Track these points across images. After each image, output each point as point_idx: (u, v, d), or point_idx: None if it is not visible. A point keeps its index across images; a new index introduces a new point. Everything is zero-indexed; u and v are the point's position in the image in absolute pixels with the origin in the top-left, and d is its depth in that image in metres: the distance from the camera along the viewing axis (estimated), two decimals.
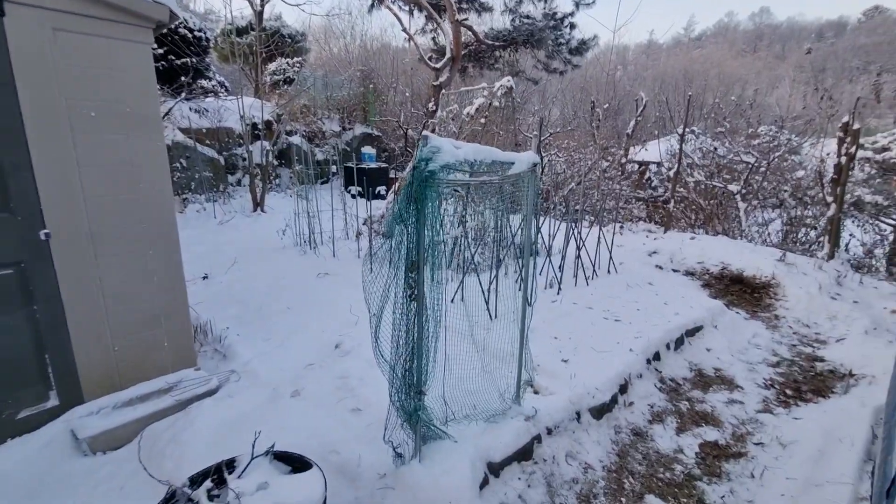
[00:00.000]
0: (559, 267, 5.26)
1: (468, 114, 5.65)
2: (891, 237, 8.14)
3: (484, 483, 2.28)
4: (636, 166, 10.72)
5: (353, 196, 8.78)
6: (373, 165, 10.24)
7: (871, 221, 8.08)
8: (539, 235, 5.38)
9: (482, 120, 5.61)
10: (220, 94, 10.02)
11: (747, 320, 4.86)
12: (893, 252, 8.22)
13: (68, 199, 2.48)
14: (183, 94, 7.46)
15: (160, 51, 8.55)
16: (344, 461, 2.38)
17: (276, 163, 9.38)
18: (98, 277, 2.65)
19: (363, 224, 6.51)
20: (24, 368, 2.51)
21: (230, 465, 1.86)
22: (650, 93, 14.58)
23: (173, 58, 8.63)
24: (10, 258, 2.37)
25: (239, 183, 8.68)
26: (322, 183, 9.97)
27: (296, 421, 2.68)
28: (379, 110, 13.02)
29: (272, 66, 12.14)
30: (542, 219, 5.61)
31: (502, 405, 2.71)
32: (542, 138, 9.25)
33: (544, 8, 14.15)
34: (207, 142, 8.13)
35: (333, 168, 9.80)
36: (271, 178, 9.05)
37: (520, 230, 4.39)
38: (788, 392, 3.59)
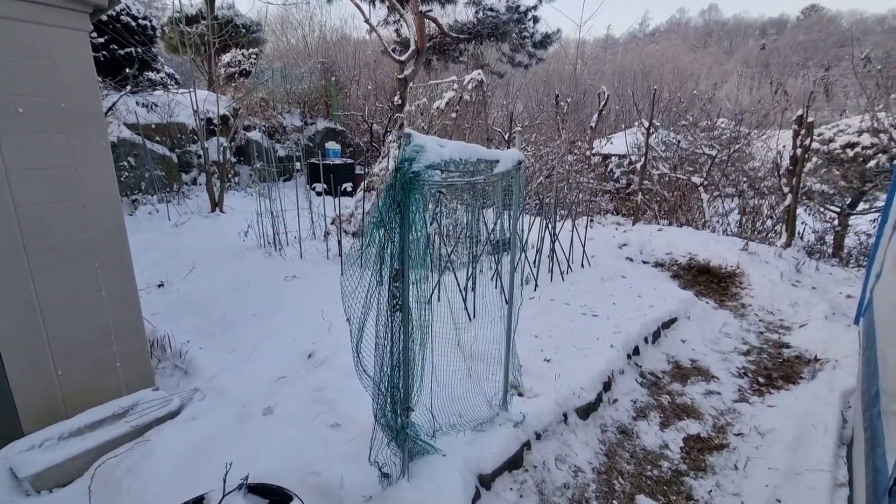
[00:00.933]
0: (534, 262, 5.22)
1: (438, 108, 5.50)
2: (836, 224, 8.65)
3: (476, 497, 2.18)
4: (600, 159, 10.89)
5: (319, 194, 8.46)
6: (338, 161, 9.91)
7: (820, 210, 8.54)
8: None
9: (453, 115, 5.48)
10: (171, 87, 9.40)
11: (716, 310, 4.99)
12: (837, 237, 8.74)
13: None
14: (128, 87, 6.91)
15: (101, 40, 7.90)
16: (325, 483, 2.22)
17: (234, 160, 8.90)
18: (34, 295, 2.35)
19: (331, 223, 6.25)
20: None
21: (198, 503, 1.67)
22: (610, 87, 14.85)
23: (116, 47, 8.00)
24: None
25: (195, 182, 8.18)
26: (285, 180, 9.56)
27: (270, 441, 2.48)
28: (342, 104, 12.63)
29: (226, 58, 11.51)
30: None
31: (489, 412, 2.61)
32: (512, 133, 9.22)
33: (507, 1, 14.09)
34: (158, 138, 7.59)
35: (297, 165, 9.41)
36: (230, 176, 8.58)
37: (495, 225, 4.31)
38: (761, 380, 3.68)
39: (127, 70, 7.57)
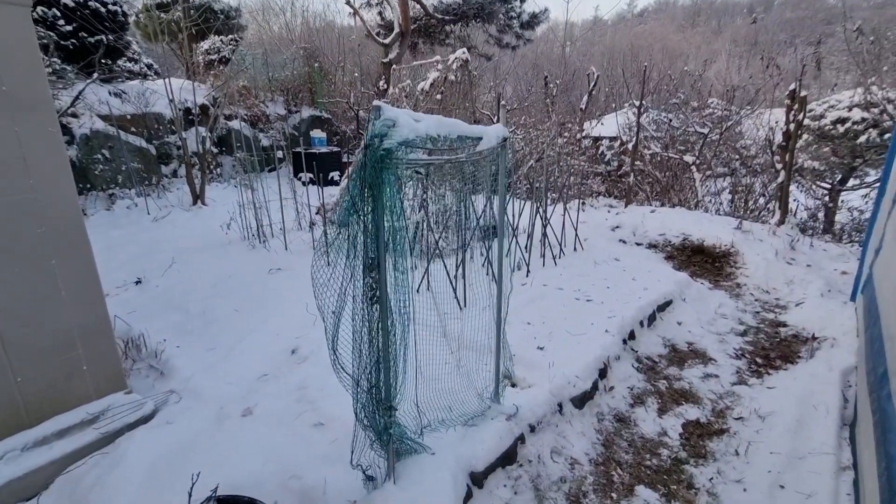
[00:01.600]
0: (526, 247, 5.08)
1: (422, 89, 5.29)
2: (827, 200, 8.60)
3: (467, 497, 2.06)
4: (591, 141, 10.72)
5: (305, 184, 8.23)
6: (324, 150, 9.65)
7: (812, 187, 8.48)
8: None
9: (438, 96, 5.27)
10: (150, 77, 9.04)
11: (711, 290, 4.90)
12: (828, 214, 8.70)
13: None
14: (95, 75, 6.59)
15: (69, 28, 7.54)
16: (307, 488, 2.09)
17: (215, 150, 8.62)
18: None
19: (316, 213, 6.06)
20: None
21: None
22: (599, 68, 14.61)
23: (85, 35, 7.64)
24: None
25: (175, 174, 7.91)
26: (270, 171, 9.30)
27: (248, 445, 2.34)
28: (327, 91, 12.29)
29: (205, 45, 11.12)
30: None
31: (481, 405, 2.49)
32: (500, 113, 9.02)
33: None
34: (133, 129, 7.30)
35: (280, 154, 9.14)
36: (211, 167, 8.31)
37: (484, 211, 4.16)
38: (759, 361, 3.60)
39: (100, 60, 7.24)
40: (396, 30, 8.53)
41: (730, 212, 7.75)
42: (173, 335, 3.51)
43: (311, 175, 8.50)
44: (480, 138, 1.92)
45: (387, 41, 8.75)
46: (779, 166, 6.44)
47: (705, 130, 8.18)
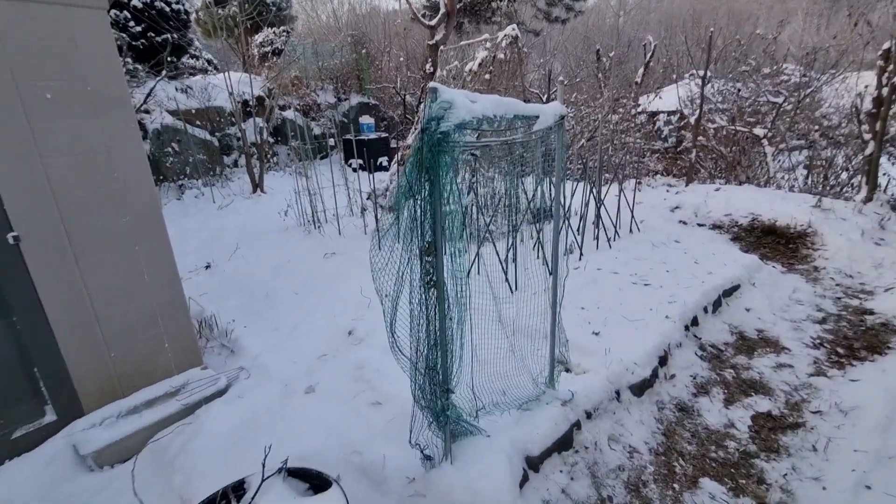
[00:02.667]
0: (578, 230, 4.93)
1: (470, 70, 5.20)
2: None
3: (524, 480, 2.07)
4: (647, 117, 10.13)
5: (355, 170, 8.42)
6: (372, 136, 9.79)
7: None
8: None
9: (486, 76, 5.16)
10: (210, 72, 9.52)
11: (784, 274, 4.54)
12: None
13: (34, 196, 2.20)
14: (164, 73, 7.02)
15: (138, 28, 8.06)
16: (367, 463, 2.18)
17: (271, 140, 8.98)
18: (82, 280, 2.40)
19: (367, 199, 6.19)
20: (12, 384, 2.31)
21: (239, 488, 1.65)
22: (656, 37, 13.67)
23: (153, 35, 8.14)
24: None
25: (236, 164, 8.34)
26: (321, 158, 9.58)
27: (312, 420, 2.47)
28: (374, 77, 12.40)
29: (259, 38, 11.51)
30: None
31: (535, 390, 2.47)
32: (551, 91, 8.70)
33: None
34: (198, 123, 7.74)
35: (331, 141, 9.37)
36: (268, 156, 8.68)
37: (535, 192, 4.06)
38: (840, 351, 3.31)
39: (167, 58, 7.70)
40: (442, 10, 8.40)
41: (806, 188, 7.09)
42: (241, 316, 3.74)
43: (361, 161, 8.67)
44: (537, 117, 1.86)
45: (432, 23, 8.64)
46: (867, 136, 5.78)
47: (780, 99, 7.48)
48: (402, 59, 13.84)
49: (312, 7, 19.41)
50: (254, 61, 10.47)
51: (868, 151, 5.74)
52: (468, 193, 4.83)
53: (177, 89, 7.76)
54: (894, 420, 2.50)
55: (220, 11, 10.20)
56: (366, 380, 2.76)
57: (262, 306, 3.92)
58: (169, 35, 7.89)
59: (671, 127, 10.02)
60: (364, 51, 11.93)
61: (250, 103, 7.65)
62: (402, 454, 2.14)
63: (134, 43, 8.00)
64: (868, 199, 5.68)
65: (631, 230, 5.39)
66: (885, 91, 5.40)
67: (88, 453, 2.33)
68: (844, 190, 7.01)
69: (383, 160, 9.48)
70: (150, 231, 2.63)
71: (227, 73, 7.05)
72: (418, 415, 1.92)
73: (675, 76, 11.23)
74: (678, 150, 9.06)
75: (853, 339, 3.45)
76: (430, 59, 8.96)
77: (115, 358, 2.61)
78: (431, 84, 1.43)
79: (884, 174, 6.89)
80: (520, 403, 2.40)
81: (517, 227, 4.42)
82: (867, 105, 5.84)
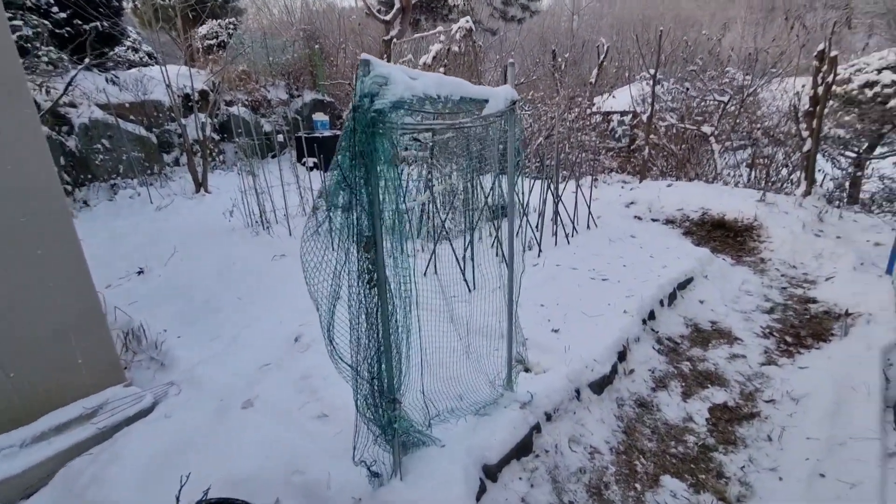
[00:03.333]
0: (537, 226, 4.88)
1: (424, 63, 5.04)
2: (854, 169, 8.17)
3: (481, 492, 1.93)
4: (602, 116, 10.33)
5: (311, 168, 8.07)
6: (327, 133, 9.44)
7: (837, 156, 8.06)
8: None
9: (441, 69, 5.02)
10: (151, 66, 8.87)
11: (734, 266, 4.67)
12: (855, 183, 8.28)
13: None
14: (87, 61, 6.44)
15: (63, 15, 7.36)
16: (311, 483, 1.97)
17: (216, 137, 8.47)
18: None
19: (318, 197, 5.90)
20: None
21: None
22: (609, 40, 14.04)
23: (80, 22, 7.46)
24: None
25: (177, 162, 7.78)
26: (273, 156, 9.14)
27: (250, 438, 2.23)
28: (329, 74, 12.01)
29: (203, 30, 10.88)
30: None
31: (493, 393, 2.34)
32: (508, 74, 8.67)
33: None
34: (133, 118, 7.16)
35: (280, 138, 8.96)
36: (213, 154, 8.18)
37: (493, 190, 3.96)
38: (788, 339, 3.39)
39: (97, 48, 7.07)
40: (397, 6, 8.21)
41: (750, 184, 7.41)
42: (176, 325, 3.41)
43: (315, 160, 8.33)
44: (487, 101, 1.72)
45: (387, 18, 8.44)
46: (805, 134, 6.08)
47: (724, 98, 7.78)
48: (358, 55, 13.50)
49: (263, 1, 18.63)
50: (197, 54, 9.87)
51: (806, 148, 6.04)
52: (425, 190, 4.67)
53: (107, 80, 7.15)
54: (842, 406, 2.55)
55: (160, 1, 9.54)
56: (311, 390, 2.55)
57: (200, 314, 3.60)
58: (98, 23, 7.25)
59: (625, 126, 10.27)
60: (318, 46, 11.53)
61: (192, 98, 7.15)
62: (350, 471, 1.94)
63: (58, 31, 7.30)
64: (807, 193, 5.97)
65: (588, 226, 5.41)
66: (820, 90, 5.68)
67: None
68: (785, 185, 7.38)
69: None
70: (56, 233, 2.30)
71: (163, 66, 6.55)
72: (363, 428, 1.74)
73: (627, 76, 11.54)
74: (632, 148, 9.27)
75: (800, 328, 3.55)
76: (385, 55, 8.75)
77: (17, 379, 2.26)
78: (363, 55, 1.25)
79: (819, 170, 7.30)
80: (477, 408, 2.27)
81: (475, 224, 4.31)
82: (804, 104, 6.14)
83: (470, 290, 3.83)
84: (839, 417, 2.46)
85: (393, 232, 1.45)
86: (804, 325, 3.57)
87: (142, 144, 7.06)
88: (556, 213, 4.95)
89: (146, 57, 10.27)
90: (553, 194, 5.03)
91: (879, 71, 8.00)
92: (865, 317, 3.46)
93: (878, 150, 8.37)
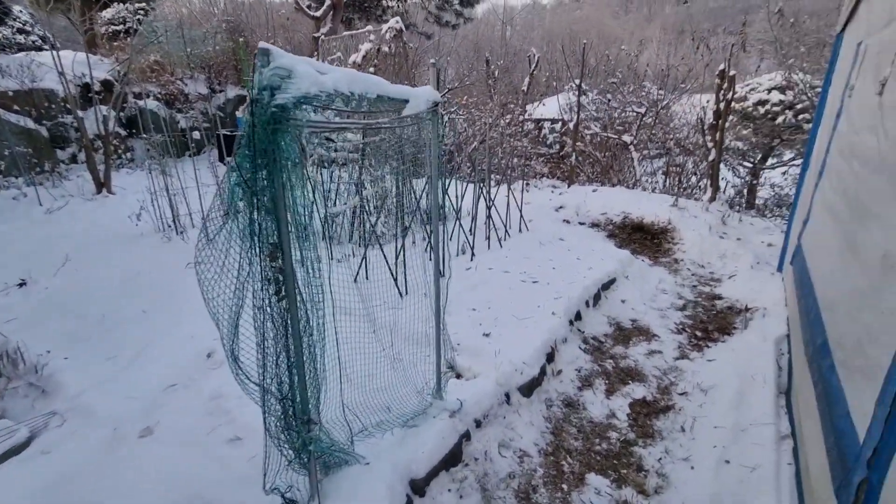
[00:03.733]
0: (470, 230, 4.90)
1: (354, 62, 4.89)
2: (750, 178, 9.13)
3: None
4: (533, 123, 10.71)
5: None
6: None
7: (736, 165, 8.95)
8: (446, 198, 4.95)
9: (371, 69, 4.89)
10: (45, 50, 7.84)
11: (652, 266, 4.98)
12: (751, 190, 9.26)
13: None
14: None
15: None
16: None
17: (123, 133, 7.68)
18: None
19: (213, 201, 5.52)
20: None
21: None
22: (539, 51, 14.63)
23: None
24: None
25: (75, 159, 6.94)
26: (191, 155, 8.45)
27: (148, 471, 1.98)
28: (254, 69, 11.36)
29: (107, 14, 9.85)
30: (447, 180, 5.17)
31: (421, 402, 2.27)
32: (439, 91, 8.69)
33: None
34: (17, 108, 6.28)
35: (196, 135, 8.32)
36: (119, 151, 7.40)
37: (424, 194, 3.90)
38: (698, 334, 3.65)
39: None
40: (328, 2, 7.95)
41: (664, 190, 8.01)
42: (63, 345, 2.98)
43: None
44: (406, 101, 1.65)
45: (318, 14, 8.14)
46: (710, 145, 6.67)
47: (642, 110, 8.36)
48: (287, 51, 12.93)
49: None
50: (100, 41, 8.91)
51: (711, 158, 6.62)
52: (356, 193, 4.52)
53: None
54: (743, 394, 2.77)
55: None
56: (224, 411, 2.32)
57: (94, 331, 3.19)
58: None
59: (555, 134, 10.71)
60: (242, 39, 10.87)
61: (92, 88, 6.41)
62: (265, 499, 1.78)
63: None
64: (712, 198, 6.55)
65: (521, 230, 5.53)
66: (721, 106, 6.26)
67: None
68: (694, 192, 8.05)
69: None
70: None
71: (55, 51, 5.80)
72: (274, 452, 1.59)
73: (556, 85, 12.05)
74: (560, 154, 9.68)
75: (708, 323, 3.84)
76: (315, 52, 8.43)
77: None
78: (261, 44, 1.13)
79: (722, 178, 8.05)
80: (405, 420, 2.18)
81: (408, 228, 4.23)
82: (709, 118, 6.74)
83: (402, 297, 3.74)
84: (742, 405, 2.67)
85: (302, 238, 1.33)
86: (712, 320, 3.88)
87: (28, 138, 6.22)
88: (489, 216, 5.01)
89: (39, 41, 9.12)
90: (486, 198, 5.08)
91: (769, 91, 9.00)
92: (761, 311, 3.81)
93: (770, 161, 9.43)
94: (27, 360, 2.76)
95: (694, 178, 8.27)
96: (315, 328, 1.47)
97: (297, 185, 1.26)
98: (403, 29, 4.97)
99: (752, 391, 2.78)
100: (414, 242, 4.55)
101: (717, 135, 6.36)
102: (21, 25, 9.21)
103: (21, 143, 6.06)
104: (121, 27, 9.24)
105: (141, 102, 7.78)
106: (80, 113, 6.00)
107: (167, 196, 5.07)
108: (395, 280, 3.79)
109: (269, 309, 1.39)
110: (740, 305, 4.02)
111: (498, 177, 6.36)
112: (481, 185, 5.15)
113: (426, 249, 4.45)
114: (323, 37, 6.53)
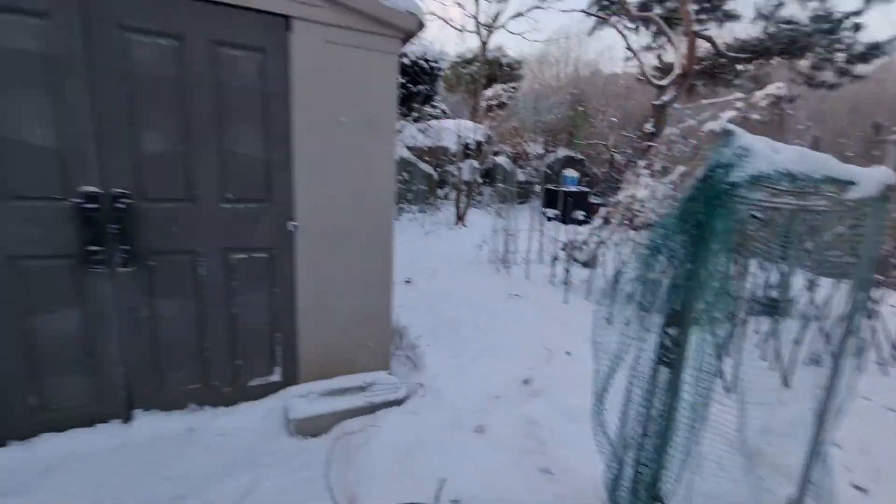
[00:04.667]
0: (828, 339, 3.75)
1: (711, 131, 4.63)
2: None
3: None
4: None
5: (550, 218, 8.40)
6: (573, 188, 9.68)
7: None
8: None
9: None
10: (447, 116, 10.99)
11: None
12: None
13: (315, 197, 2.70)
14: (413, 115, 8.33)
15: (402, 80, 9.83)
16: None
17: (480, 180, 9.70)
18: (326, 270, 2.82)
19: (561, 249, 6.02)
20: (260, 341, 2.80)
21: None
22: None
23: (411, 86, 9.81)
24: (265, 243, 2.68)
25: (446, 197, 9.23)
26: (521, 203, 9.90)
27: (475, 463, 2.34)
28: (586, 134, 12.41)
29: (489, 93, 12.82)
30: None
31: None
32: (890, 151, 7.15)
33: (816, 9, 11.44)
34: (426, 158, 8.89)
35: (536, 188, 9.62)
36: (475, 194, 9.37)
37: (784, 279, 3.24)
38: None
39: (415, 105, 9.18)
40: (678, 70, 7.90)
41: None
42: (426, 334, 3.93)
43: (557, 211, 8.61)
44: (853, 182, 1.42)
45: (663, 82, 8.19)
46: None
47: None
48: (618, 118, 13.55)
49: (539, 68, 20.80)
50: (481, 112, 11.64)
51: None
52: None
53: (418, 130, 9.11)
54: None
55: (462, 70, 11.75)
56: (538, 439, 2.52)
57: (446, 330, 4.06)
58: (423, 87, 9.40)
59: None
60: (581, 108, 12.08)
61: (470, 147, 8.45)
62: None
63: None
64: None
65: None
66: None
67: (293, 419, 2.63)
68: None
69: (580, 213, 9.25)
70: (384, 239, 2.97)
71: (457, 120, 7.97)
72: None
73: None
74: None
75: None
76: (653, 119, 8.48)
77: (331, 343, 2.97)
78: (727, 125, 1.20)
79: None
80: None
81: (741, 317, 3.61)
82: None
83: (728, 391, 3.20)
84: None
85: (711, 310, 1.32)
86: None
87: (427, 180, 8.68)
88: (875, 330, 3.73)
89: (441, 112, 12.71)
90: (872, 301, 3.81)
91: None
92: None
93: None
94: (408, 338, 3.77)
95: None
96: (690, 411, 1.42)
97: (721, 259, 1.27)
98: (785, 95, 4.39)
99: None
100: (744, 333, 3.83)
101: None
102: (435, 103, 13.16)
103: (422, 182, 8.53)
104: (495, 101, 11.84)
105: (497, 158, 9.70)
106: (459, 164, 7.99)
107: (503, 234, 6.07)
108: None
109: (651, 372, 1.42)
110: None
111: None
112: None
113: (758, 345, 3.67)
114: (675, 105, 6.50)
